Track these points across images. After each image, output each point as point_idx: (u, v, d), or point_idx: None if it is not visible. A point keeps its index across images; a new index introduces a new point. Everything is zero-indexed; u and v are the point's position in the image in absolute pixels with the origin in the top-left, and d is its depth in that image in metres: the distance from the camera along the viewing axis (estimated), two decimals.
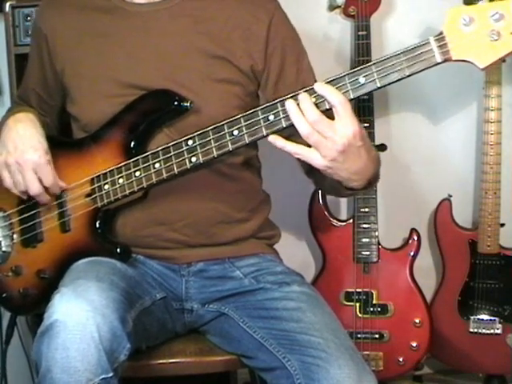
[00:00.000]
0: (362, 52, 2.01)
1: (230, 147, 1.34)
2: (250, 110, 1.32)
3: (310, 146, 1.26)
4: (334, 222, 2.13)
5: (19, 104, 1.68)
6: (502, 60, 1.98)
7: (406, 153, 2.24)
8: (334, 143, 1.24)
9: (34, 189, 1.44)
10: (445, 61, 1.21)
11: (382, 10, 2.07)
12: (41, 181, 1.44)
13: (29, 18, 1.83)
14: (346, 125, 1.24)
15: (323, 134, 1.24)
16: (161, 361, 1.49)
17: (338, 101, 1.23)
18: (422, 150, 2.25)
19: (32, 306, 1.53)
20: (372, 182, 1.39)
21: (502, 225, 2.13)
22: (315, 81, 1.54)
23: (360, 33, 2.02)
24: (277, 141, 1.28)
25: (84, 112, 1.52)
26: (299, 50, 1.55)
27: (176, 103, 1.43)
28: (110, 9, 1.52)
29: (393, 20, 2.16)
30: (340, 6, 2.06)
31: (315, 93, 1.26)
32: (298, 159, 1.55)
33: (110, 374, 1.22)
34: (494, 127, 2.06)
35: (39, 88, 1.63)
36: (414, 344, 2.10)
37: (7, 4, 1.85)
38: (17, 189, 1.46)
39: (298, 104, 1.26)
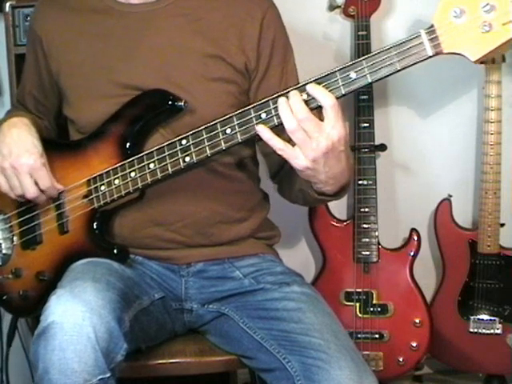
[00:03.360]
0: (361, 52, 2.01)
1: (223, 146, 1.34)
2: (242, 108, 1.32)
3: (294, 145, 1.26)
4: (334, 221, 2.13)
5: (16, 108, 1.68)
6: (502, 59, 2.01)
7: (405, 153, 2.24)
8: (319, 144, 1.24)
9: (31, 192, 1.44)
10: (436, 54, 1.20)
11: (382, 9, 2.07)
12: (37, 184, 1.44)
13: (29, 18, 1.83)
14: (334, 127, 1.24)
15: (309, 133, 1.24)
16: (160, 361, 1.49)
17: (329, 103, 1.23)
18: (422, 150, 2.25)
19: (32, 307, 1.54)
20: (344, 190, 1.39)
21: (502, 225, 2.12)
22: (298, 83, 1.56)
23: (360, 33, 2.02)
24: (264, 132, 1.28)
25: (80, 114, 1.52)
26: (287, 51, 1.55)
27: (170, 103, 1.43)
28: (105, 9, 1.52)
29: (393, 20, 2.15)
30: (340, 6, 2.06)
31: (306, 91, 1.26)
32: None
33: (108, 375, 1.22)
34: (494, 127, 2.06)
35: (35, 90, 1.63)
36: (414, 344, 2.10)
37: (7, 4, 1.85)
38: (14, 193, 1.46)
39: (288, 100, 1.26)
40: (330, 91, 1.25)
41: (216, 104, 1.47)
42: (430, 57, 1.20)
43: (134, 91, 1.46)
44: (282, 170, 1.56)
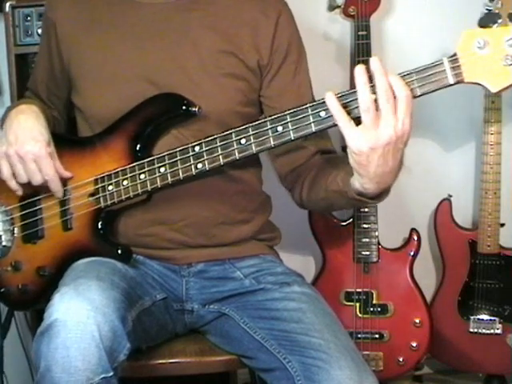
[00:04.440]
0: (361, 52, 2.01)
1: (237, 156, 1.33)
2: (259, 119, 1.31)
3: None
4: (334, 222, 2.13)
5: (27, 97, 1.68)
6: None
7: (406, 153, 2.24)
8: (383, 132, 1.19)
9: (37, 180, 1.43)
10: (457, 82, 1.20)
11: (382, 10, 2.07)
12: (41, 172, 1.43)
13: (29, 18, 1.83)
14: (403, 122, 1.19)
15: (380, 117, 1.18)
16: (161, 361, 1.49)
17: (404, 94, 1.18)
18: (422, 150, 2.25)
19: (30, 302, 1.53)
20: (383, 194, 1.33)
21: (502, 225, 2.13)
22: (311, 87, 1.55)
23: (360, 33, 2.02)
24: (332, 101, 1.22)
25: (88, 102, 1.52)
26: (301, 52, 1.56)
27: (184, 108, 1.42)
28: (120, 0, 1.53)
29: (393, 20, 2.16)
30: (340, 6, 2.06)
31: (348, 98, 1.22)
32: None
33: (110, 374, 1.21)
34: (494, 127, 2.06)
35: (47, 78, 1.62)
36: (414, 344, 2.10)
37: (7, 4, 1.85)
38: (17, 180, 1.45)
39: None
40: (347, 110, 1.21)
41: (224, 99, 1.47)
42: (451, 85, 1.20)
43: (144, 82, 1.46)
44: (295, 172, 1.55)
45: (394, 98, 1.19)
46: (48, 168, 1.43)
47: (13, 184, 1.46)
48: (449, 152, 2.26)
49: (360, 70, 1.21)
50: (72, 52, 1.54)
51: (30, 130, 1.44)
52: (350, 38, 2.14)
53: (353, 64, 2.11)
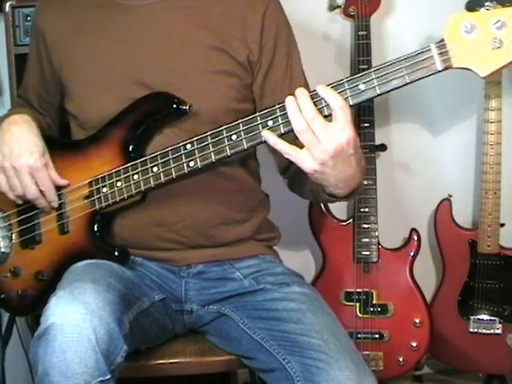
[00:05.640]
0: (362, 52, 2.01)
1: (228, 152, 1.33)
2: (249, 115, 1.31)
3: (302, 147, 1.25)
4: (334, 222, 2.13)
5: (18, 104, 1.67)
6: None
7: (405, 153, 2.24)
8: (327, 146, 1.22)
9: (31, 193, 1.44)
10: (445, 68, 1.20)
11: (382, 10, 2.07)
12: (37, 184, 1.44)
13: (29, 18, 1.83)
14: (342, 130, 1.22)
15: (317, 133, 1.23)
16: (160, 361, 1.49)
17: (338, 105, 1.22)
18: (422, 150, 2.25)
19: (30, 307, 1.53)
20: (355, 193, 1.38)
21: (502, 225, 2.13)
22: (304, 76, 1.55)
23: (360, 33, 2.02)
24: (270, 137, 1.27)
25: (82, 109, 1.51)
26: (291, 43, 1.55)
27: (175, 106, 1.42)
28: (106, 3, 1.52)
29: (393, 20, 2.16)
30: (340, 6, 2.06)
31: (316, 97, 1.25)
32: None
33: (108, 377, 1.21)
34: (494, 127, 2.06)
35: (38, 85, 1.62)
36: (414, 344, 2.10)
37: (7, 4, 1.85)
38: (14, 193, 1.45)
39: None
40: (318, 108, 1.24)
41: (218, 96, 1.47)
42: (439, 71, 1.20)
43: (137, 85, 1.46)
44: (292, 167, 1.54)
45: (328, 115, 1.23)
46: (44, 179, 1.44)
47: (11, 195, 1.47)
48: (449, 152, 2.26)
49: (288, 100, 1.25)
50: (62, 58, 1.54)
51: (24, 142, 1.44)
52: (350, 37, 2.14)
53: (353, 64, 2.11)
